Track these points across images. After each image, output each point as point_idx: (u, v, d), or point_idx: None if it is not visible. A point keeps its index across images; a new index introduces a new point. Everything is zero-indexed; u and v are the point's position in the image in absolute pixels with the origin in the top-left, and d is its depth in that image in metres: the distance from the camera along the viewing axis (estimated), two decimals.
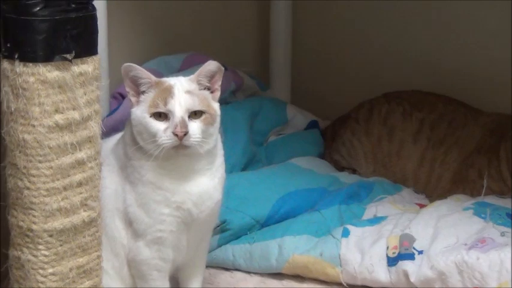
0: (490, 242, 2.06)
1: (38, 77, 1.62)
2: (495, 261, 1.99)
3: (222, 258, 2.25)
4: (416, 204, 2.46)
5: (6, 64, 1.63)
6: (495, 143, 2.60)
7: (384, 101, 2.81)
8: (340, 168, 2.78)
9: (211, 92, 1.90)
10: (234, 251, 2.25)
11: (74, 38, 1.64)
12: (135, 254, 1.91)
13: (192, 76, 1.89)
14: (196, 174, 1.88)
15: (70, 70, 1.65)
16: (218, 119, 1.89)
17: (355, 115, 2.84)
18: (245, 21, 3.23)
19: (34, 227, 1.68)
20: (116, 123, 2.21)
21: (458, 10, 2.95)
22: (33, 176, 1.66)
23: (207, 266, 2.13)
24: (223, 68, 1.91)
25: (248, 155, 2.61)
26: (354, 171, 2.77)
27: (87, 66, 1.68)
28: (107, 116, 2.31)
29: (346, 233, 2.21)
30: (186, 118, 1.82)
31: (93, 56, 1.69)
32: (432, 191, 2.64)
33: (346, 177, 2.62)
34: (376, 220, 2.29)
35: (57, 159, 1.67)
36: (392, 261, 2.11)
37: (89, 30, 1.68)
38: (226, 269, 2.26)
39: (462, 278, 2.01)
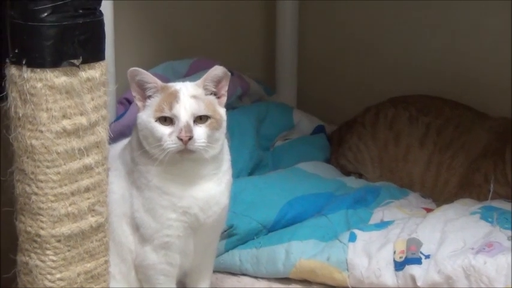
0: (497, 246, 2.06)
1: (46, 83, 1.62)
2: (502, 265, 1.99)
3: (229, 263, 2.25)
4: (423, 208, 2.46)
5: (14, 70, 1.63)
6: (501, 147, 2.59)
7: (390, 105, 2.81)
8: (347, 173, 2.78)
9: (218, 98, 1.90)
10: (241, 255, 2.25)
11: (81, 44, 1.64)
12: (142, 259, 1.91)
13: (198, 81, 1.89)
14: (202, 179, 1.89)
15: (77, 76, 1.65)
16: (224, 124, 1.89)
17: (361, 120, 2.84)
18: (251, 27, 3.23)
19: (42, 232, 1.68)
20: (123, 128, 2.21)
21: (463, 16, 2.96)
22: (41, 182, 1.66)
23: (214, 271, 2.13)
24: (229, 74, 1.91)
25: (255, 159, 2.61)
26: (360, 175, 2.77)
27: (94, 72, 1.68)
28: (114, 121, 2.31)
29: (353, 238, 2.21)
30: (191, 123, 1.82)
31: (101, 62, 1.70)
32: (439, 195, 2.64)
33: (352, 182, 2.62)
34: (383, 225, 2.29)
35: (64, 164, 1.67)
36: (399, 266, 2.11)
37: (96, 36, 1.68)
38: (233, 274, 2.26)
39: (469, 282, 2.01)
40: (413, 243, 2.14)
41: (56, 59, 1.62)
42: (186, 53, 2.79)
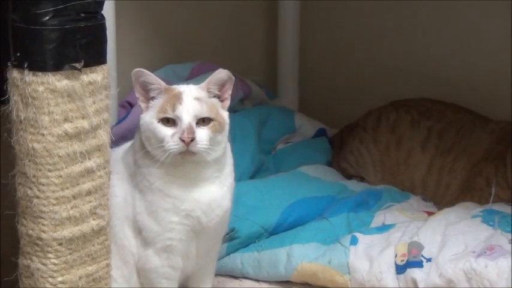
0: (499, 250, 2.06)
1: (48, 86, 1.63)
2: (503, 268, 1.99)
3: (230, 266, 2.25)
4: (425, 212, 2.46)
5: (15, 73, 1.64)
6: (503, 150, 2.59)
7: (392, 109, 2.81)
8: (348, 176, 2.78)
9: (221, 101, 1.90)
10: (243, 259, 2.25)
11: (83, 47, 1.65)
12: (145, 262, 1.92)
13: (202, 84, 1.90)
14: (205, 182, 1.89)
15: (79, 79, 1.66)
16: (227, 128, 1.89)
17: (363, 123, 2.84)
18: (253, 30, 3.24)
19: (43, 235, 1.69)
20: (125, 131, 2.21)
21: (464, 21, 2.96)
22: (43, 185, 1.67)
23: (216, 274, 2.13)
24: (233, 77, 1.90)
25: (256, 163, 2.61)
26: (362, 179, 2.77)
27: (96, 75, 1.68)
28: (116, 124, 2.31)
29: (354, 241, 2.21)
30: (194, 124, 1.82)
31: (102, 65, 1.70)
32: (440, 198, 2.63)
33: (354, 185, 2.62)
34: (384, 228, 2.29)
35: (66, 168, 1.67)
36: (400, 269, 2.11)
37: (98, 40, 1.69)
38: (235, 277, 2.26)
39: (471, 286, 2.00)
40: (415, 247, 2.14)
41: (58, 63, 1.63)
42: (188, 57, 2.79)
